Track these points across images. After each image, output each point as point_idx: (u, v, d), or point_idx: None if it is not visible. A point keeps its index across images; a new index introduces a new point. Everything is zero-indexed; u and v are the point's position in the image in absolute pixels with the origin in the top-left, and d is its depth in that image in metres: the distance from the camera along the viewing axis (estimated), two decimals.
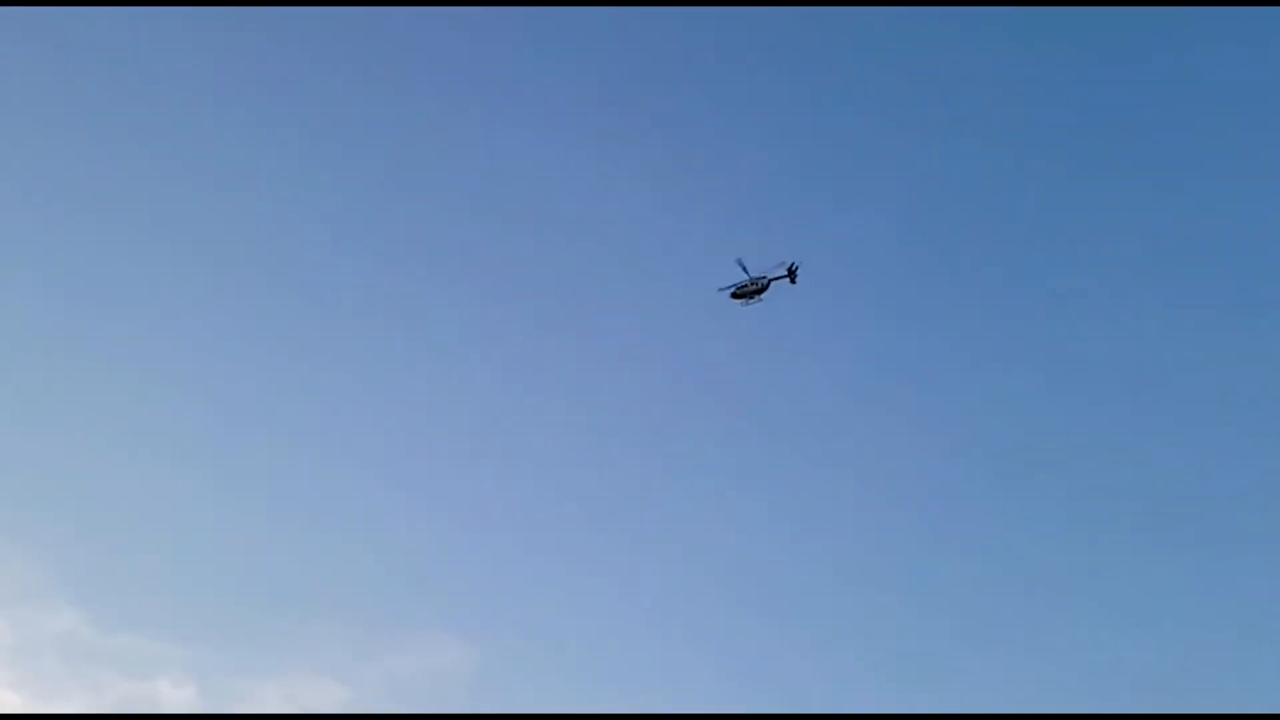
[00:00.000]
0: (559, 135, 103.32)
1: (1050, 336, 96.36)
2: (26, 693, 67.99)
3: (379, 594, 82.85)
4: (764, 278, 59.27)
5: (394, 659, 79.21)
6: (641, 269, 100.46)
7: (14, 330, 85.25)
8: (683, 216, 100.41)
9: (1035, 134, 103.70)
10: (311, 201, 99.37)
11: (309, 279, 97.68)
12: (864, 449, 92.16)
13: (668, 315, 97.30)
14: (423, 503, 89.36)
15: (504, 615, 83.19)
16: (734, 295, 60.71)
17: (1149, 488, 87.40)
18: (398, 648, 79.84)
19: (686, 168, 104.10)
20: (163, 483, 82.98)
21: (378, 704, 76.06)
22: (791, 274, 59.22)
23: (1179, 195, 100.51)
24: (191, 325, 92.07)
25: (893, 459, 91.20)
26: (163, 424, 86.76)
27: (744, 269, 59.23)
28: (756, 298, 59.99)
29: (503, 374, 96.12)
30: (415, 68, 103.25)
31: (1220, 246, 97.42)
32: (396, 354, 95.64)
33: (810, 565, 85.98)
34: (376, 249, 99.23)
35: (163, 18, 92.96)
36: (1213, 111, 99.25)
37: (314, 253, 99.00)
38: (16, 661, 69.76)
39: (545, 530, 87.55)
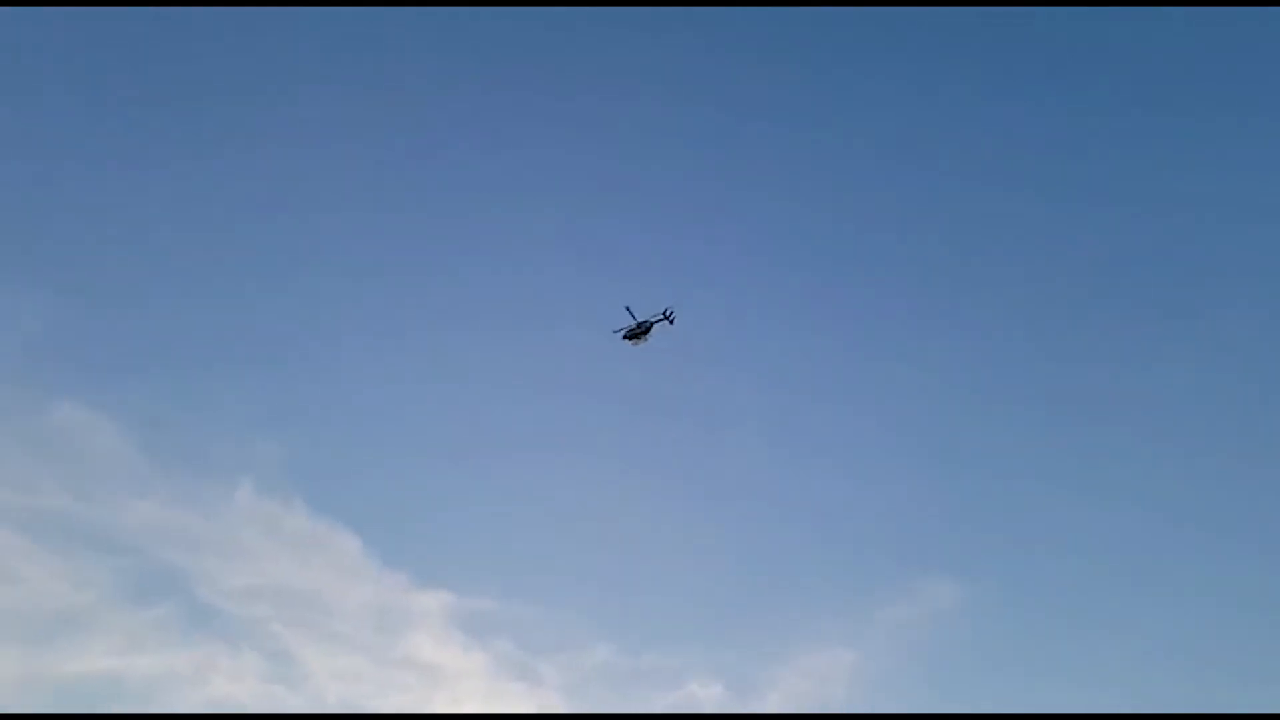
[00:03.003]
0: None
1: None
2: (579, 703, 78.09)
3: (867, 551, 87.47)
4: (647, 321, 65.68)
5: (891, 612, 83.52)
6: None
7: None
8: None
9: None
10: None
11: None
12: None
13: None
14: (900, 452, 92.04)
15: (992, 554, 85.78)
16: (625, 337, 67.14)
17: None
18: (892, 600, 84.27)
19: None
20: (643, 519, 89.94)
21: (886, 660, 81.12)
22: (668, 317, 65.96)
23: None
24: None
25: None
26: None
27: (631, 314, 65.87)
28: (643, 338, 66.56)
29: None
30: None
31: None
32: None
33: None
34: None
35: None
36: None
37: None
38: (572, 693, 79.36)
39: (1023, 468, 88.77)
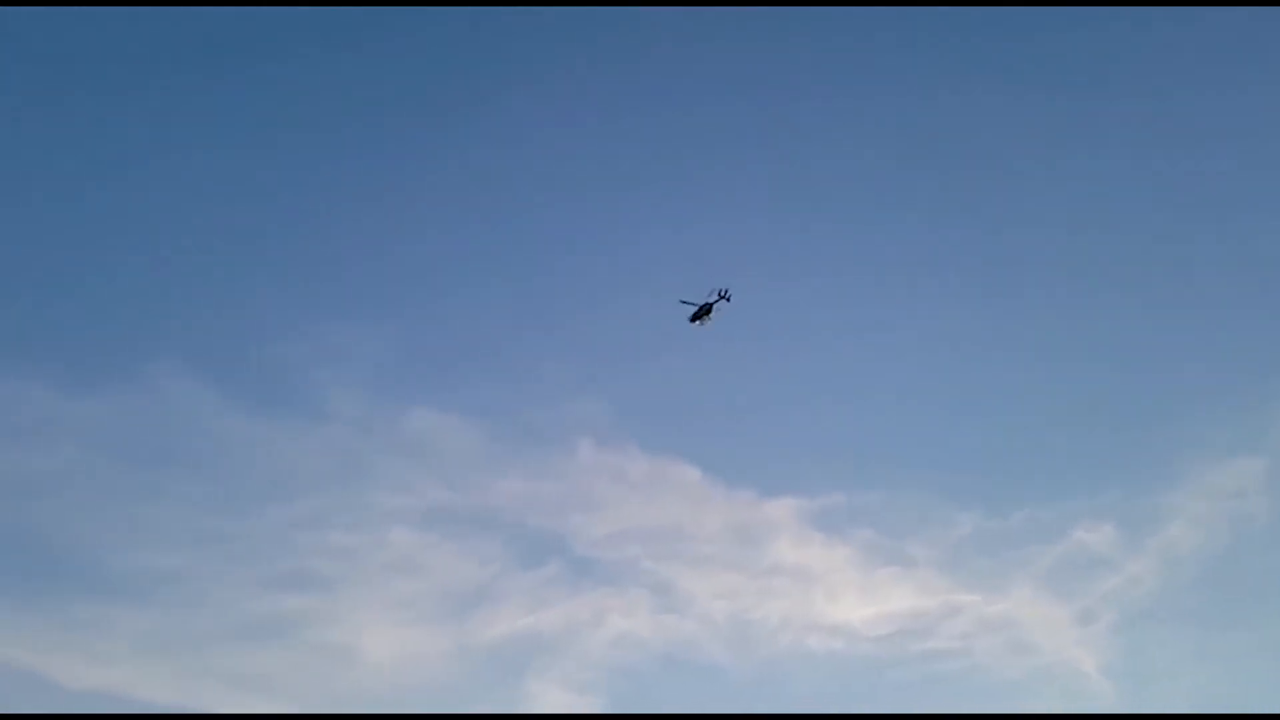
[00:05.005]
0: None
1: None
2: (956, 576, 79.25)
3: (1257, 334, 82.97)
4: (709, 303, 69.94)
5: None
6: None
7: None
8: None
9: None
10: None
11: None
12: None
13: None
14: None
15: None
16: (691, 319, 70.79)
17: None
18: None
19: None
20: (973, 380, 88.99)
21: None
22: (724, 296, 69.70)
23: None
24: None
25: None
26: None
27: (690, 303, 70.39)
28: (707, 319, 70.35)
29: None
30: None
31: None
32: None
33: None
34: None
35: None
36: None
37: None
38: (946, 568, 79.66)
39: None
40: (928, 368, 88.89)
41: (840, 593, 79.73)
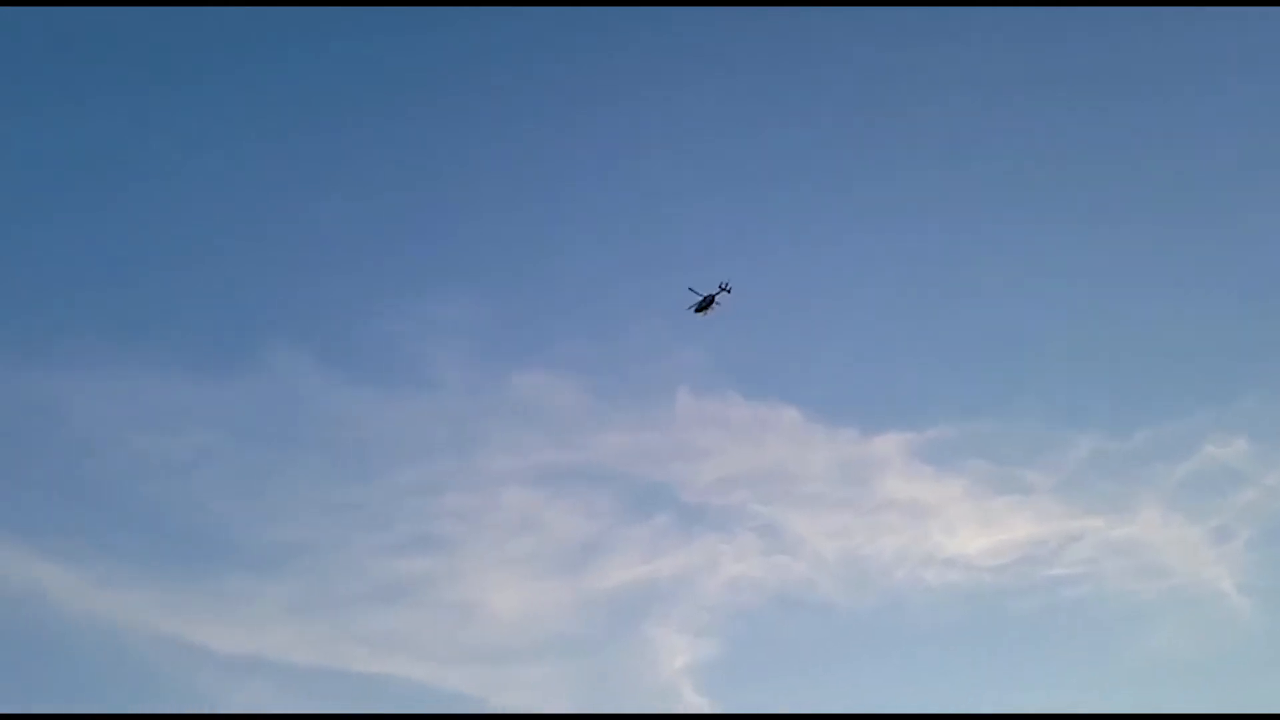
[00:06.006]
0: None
1: None
2: (1077, 501, 77.29)
3: None
4: (712, 295, 71.75)
5: None
6: None
7: None
8: None
9: None
10: None
11: None
12: None
13: None
14: None
15: None
16: (695, 311, 72.42)
17: None
18: None
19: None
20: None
21: None
22: (725, 288, 71.60)
23: None
24: None
25: None
26: None
27: (696, 292, 72.14)
28: (710, 309, 72.19)
29: None
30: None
31: None
32: None
33: None
34: None
35: None
36: None
37: None
38: (1064, 493, 77.76)
39: None
40: (1031, 287, 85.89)
41: (956, 525, 78.46)
